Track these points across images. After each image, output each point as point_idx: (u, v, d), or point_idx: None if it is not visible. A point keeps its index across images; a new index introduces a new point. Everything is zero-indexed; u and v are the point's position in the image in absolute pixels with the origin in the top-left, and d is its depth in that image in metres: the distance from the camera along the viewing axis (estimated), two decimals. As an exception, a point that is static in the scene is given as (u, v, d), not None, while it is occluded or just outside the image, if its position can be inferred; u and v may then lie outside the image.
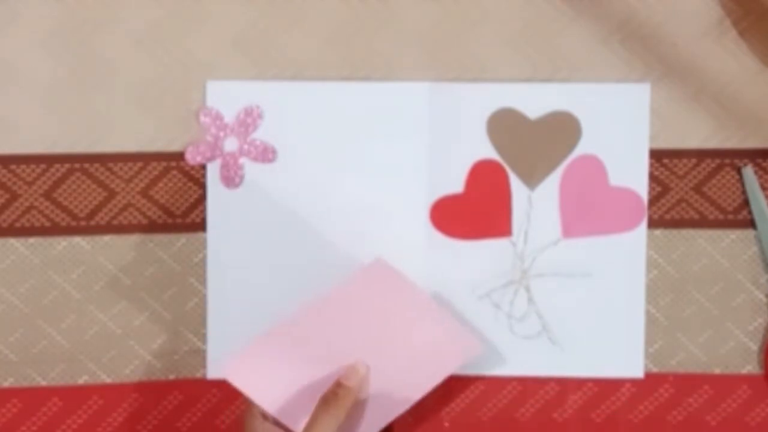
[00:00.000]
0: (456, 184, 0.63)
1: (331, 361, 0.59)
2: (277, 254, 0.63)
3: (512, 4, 0.64)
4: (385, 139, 0.63)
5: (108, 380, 0.63)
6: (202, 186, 0.63)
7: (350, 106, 0.63)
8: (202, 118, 0.62)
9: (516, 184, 0.63)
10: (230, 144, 0.63)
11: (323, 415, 0.56)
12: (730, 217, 0.64)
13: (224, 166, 0.63)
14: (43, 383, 0.63)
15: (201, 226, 0.63)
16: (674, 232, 0.64)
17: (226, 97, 0.63)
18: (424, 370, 0.59)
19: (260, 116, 0.63)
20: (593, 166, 0.63)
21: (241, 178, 0.63)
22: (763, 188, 0.64)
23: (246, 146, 0.63)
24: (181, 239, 0.63)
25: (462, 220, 0.63)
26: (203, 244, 0.63)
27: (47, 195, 0.63)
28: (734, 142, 0.64)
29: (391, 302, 0.60)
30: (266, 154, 0.63)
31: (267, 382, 0.59)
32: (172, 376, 0.63)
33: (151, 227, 0.63)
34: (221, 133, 0.63)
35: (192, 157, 0.62)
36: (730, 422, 0.63)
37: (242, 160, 0.63)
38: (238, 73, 0.63)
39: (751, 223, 0.64)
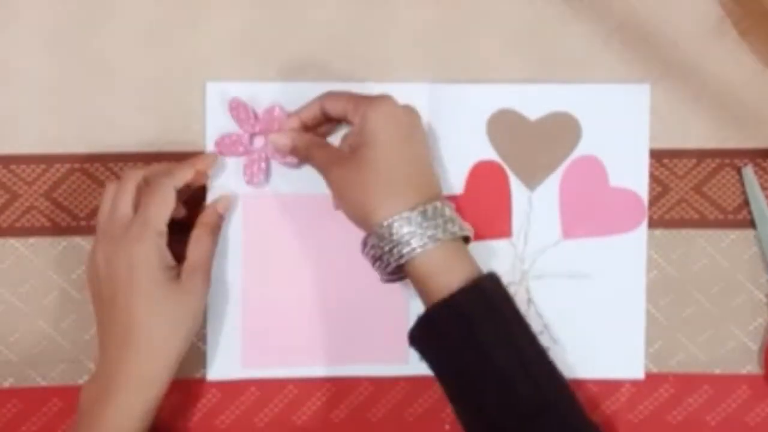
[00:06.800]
0: (456, 185, 0.63)
1: None
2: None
3: (512, 5, 0.64)
4: (385, 139, 0.63)
5: (108, 380, 0.63)
6: (203, 186, 0.63)
7: (350, 107, 0.63)
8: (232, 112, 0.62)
9: (516, 185, 0.63)
10: (258, 141, 0.63)
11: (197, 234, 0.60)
12: (730, 217, 0.64)
13: (251, 163, 0.62)
14: (43, 383, 0.63)
15: (201, 226, 0.63)
16: (674, 233, 0.64)
17: (225, 97, 0.62)
18: None
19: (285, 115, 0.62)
20: (593, 166, 0.63)
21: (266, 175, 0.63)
22: (763, 188, 0.64)
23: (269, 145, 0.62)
24: (181, 239, 0.63)
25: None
26: (203, 244, 0.63)
27: (47, 195, 0.63)
28: (734, 142, 0.64)
29: None
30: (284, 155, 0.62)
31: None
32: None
33: (151, 227, 0.63)
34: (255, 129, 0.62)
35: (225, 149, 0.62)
36: (730, 422, 0.63)
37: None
38: (238, 73, 0.63)
39: (751, 223, 0.64)
